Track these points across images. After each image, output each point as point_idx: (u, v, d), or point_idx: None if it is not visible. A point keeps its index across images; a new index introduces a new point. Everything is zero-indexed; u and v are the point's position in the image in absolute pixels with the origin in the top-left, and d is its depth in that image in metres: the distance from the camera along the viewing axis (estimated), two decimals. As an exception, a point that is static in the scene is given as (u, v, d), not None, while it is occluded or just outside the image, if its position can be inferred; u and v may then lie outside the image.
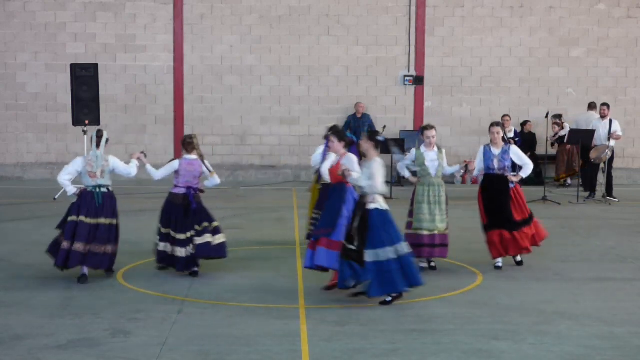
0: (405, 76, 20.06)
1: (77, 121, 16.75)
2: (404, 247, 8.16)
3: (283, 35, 19.95)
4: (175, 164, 9.42)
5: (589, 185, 16.91)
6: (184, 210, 9.27)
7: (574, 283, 9.25)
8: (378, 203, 8.12)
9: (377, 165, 8.12)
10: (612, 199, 16.40)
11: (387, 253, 8.03)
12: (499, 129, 9.90)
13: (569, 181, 19.18)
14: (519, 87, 20.21)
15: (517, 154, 9.96)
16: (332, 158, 8.65)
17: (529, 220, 9.99)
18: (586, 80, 20.21)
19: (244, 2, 19.89)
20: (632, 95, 20.29)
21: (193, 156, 9.47)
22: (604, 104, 16.96)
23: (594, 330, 7.33)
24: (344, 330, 7.25)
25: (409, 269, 8.10)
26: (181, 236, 9.23)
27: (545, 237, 10.23)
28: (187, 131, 19.91)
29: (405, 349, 6.74)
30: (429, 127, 9.82)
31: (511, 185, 9.87)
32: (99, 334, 7.05)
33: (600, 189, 16.78)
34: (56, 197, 15.94)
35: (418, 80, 20.03)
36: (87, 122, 16.66)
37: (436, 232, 9.66)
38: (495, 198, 9.80)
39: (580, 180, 17.65)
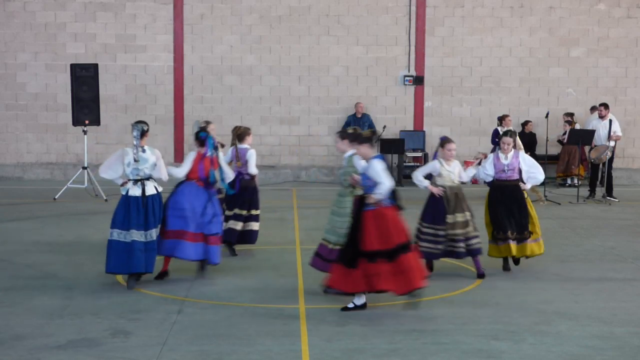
0: (405, 76, 20.05)
1: (77, 121, 16.75)
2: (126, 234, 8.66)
3: (283, 35, 19.95)
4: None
5: (594, 185, 16.87)
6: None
7: (574, 283, 9.25)
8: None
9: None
10: (612, 199, 16.40)
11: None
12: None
13: (569, 181, 19.19)
14: (519, 87, 20.20)
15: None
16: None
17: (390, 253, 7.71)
18: (586, 80, 20.20)
19: (244, 2, 19.89)
20: (632, 95, 20.29)
21: (245, 145, 10.65)
22: (602, 104, 16.96)
23: (594, 330, 7.33)
24: (344, 330, 7.25)
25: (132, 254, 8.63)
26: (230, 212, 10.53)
27: (418, 287, 7.75)
28: (187, 131, 19.93)
29: (405, 349, 6.75)
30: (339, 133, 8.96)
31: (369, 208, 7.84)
32: (99, 334, 7.05)
33: (601, 189, 16.79)
34: (56, 197, 15.94)
35: (418, 80, 20.03)
36: (87, 122, 16.67)
37: (330, 246, 8.61)
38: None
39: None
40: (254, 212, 10.70)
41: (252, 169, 10.66)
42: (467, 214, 9.32)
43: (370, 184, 7.82)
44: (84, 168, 16.62)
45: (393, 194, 7.91)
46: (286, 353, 6.60)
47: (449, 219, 9.20)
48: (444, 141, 9.42)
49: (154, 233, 8.78)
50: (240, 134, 10.75)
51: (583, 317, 7.76)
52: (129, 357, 6.47)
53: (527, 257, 9.76)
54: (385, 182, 7.74)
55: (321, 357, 6.51)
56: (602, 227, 13.28)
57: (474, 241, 9.32)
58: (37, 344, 6.75)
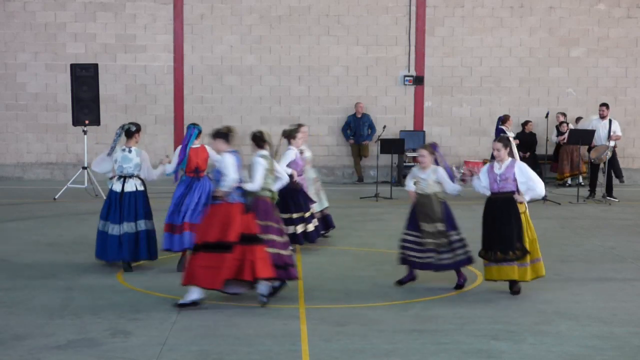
0: (405, 76, 20.06)
1: (77, 121, 16.76)
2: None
3: (283, 35, 19.95)
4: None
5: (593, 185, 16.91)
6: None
7: (574, 283, 9.25)
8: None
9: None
10: (612, 199, 16.40)
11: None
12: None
13: (569, 181, 19.20)
14: (519, 87, 20.21)
15: None
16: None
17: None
18: (586, 80, 20.21)
19: (244, 2, 19.90)
20: (632, 95, 20.29)
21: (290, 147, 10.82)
22: (603, 104, 16.97)
23: (594, 330, 7.33)
24: (344, 330, 7.25)
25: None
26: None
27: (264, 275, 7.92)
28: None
29: (405, 349, 6.74)
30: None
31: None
32: (99, 334, 7.05)
33: (601, 189, 16.80)
34: (56, 197, 15.94)
35: (418, 80, 20.03)
36: (87, 122, 16.67)
37: None
38: None
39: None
40: (306, 214, 10.75)
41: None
42: (439, 225, 8.69)
43: (219, 178, 8.04)
44: (84, 168, 16.62)
45: (244, 193, 8.06)
46: (286, 353, 6.60)
47: (422, 226, 8.73)
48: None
49: (126, 226, 9.46)
50: (285, 137, 10.91)
51: (583, 317, 7.76)
52: (129, 357, 6.46)
53: (524, 281, 8.58)
54: (230, 175, 7.95)
55: (321, 357, 6.51)
56: (602, 227, 13.28)
57: (444, 256, 8.70)
58: (37, 344, 6.75)
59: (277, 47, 19.95)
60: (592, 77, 20.21)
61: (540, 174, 18.74)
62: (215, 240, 7.80)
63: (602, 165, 16.73)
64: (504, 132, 17.07)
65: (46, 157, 19.98)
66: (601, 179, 16.99)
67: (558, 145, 19.34)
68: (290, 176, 10.44)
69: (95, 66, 17.04)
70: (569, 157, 19.03)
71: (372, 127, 19.55)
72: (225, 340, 6.90)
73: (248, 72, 19.99)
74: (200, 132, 9.78)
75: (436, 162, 8.84)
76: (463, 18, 20.07)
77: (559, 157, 19.33)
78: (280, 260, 8.20)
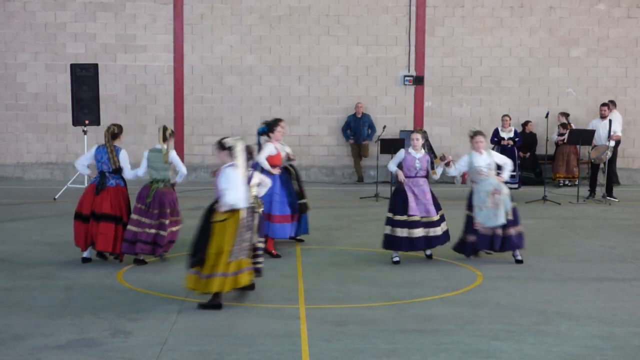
0: (405, 76, 20.06)
1: (77, 121, 16.76)
2: None
3: (283, 35, 19.95)
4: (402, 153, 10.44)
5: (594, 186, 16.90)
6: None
7: (574, 283, 9.25)
8: None
9: None
10: (612, 199, 16.40)
11: None
12: None
13: (567, 182, 19.18)
14: (519, 87, 20.21)
15: None
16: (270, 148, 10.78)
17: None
18: (586, 80, 20.21)
19: (244, 2, 19.90)
20: (632, 95, 20.29)
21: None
22: (604, 104, 16.96)
23: (594, 330, 7.33)
24: (344, 330, 7.25)
25: None
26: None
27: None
28: (187, 131, 19.94)
29: (405, 349, 6.74)
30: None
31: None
32: (99, 334, 7.05)
33: (601, 188, 16.80)
34: (56, 197, 15.94)
35: (418, 80, 20.03)
36: (87, 122, 16.68)
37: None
38: None
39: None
40: (410, 218, 10.19)
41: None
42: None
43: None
44: (84, 168, 16.60)
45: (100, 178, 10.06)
46: (286, 353, 6.60)
47: None
48: None
49: None
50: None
51: (583, 317, 7.76)
52: (129, 357, 6.47)
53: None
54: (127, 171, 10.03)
55: (321, 357, 6.51)
56: (602, 227, 13.27)
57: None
58: (37, 344, 6.75)
59: (277, 47, 19.95)
60: (592, 77, 20.21)
61: (540, 174, 19.02)
62: (78, 211, 10.02)
63: (602, 165, 16.73)
64: (498, 132, 17.07)
65: (46, 157, 19.98)
66: (601, 179, 16.99)
67: (557, 145, 19.32)
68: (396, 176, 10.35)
69: (95, 66, 17.05)
70: (565, 158, 19.00)
71: (372, 127, 19.55)
72: (225, 340, 6.91)
73: (248, 72, 19.99)
74: (260, 132, 11.16)
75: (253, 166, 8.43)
76: (463, 18, 20.07)
77: (555, 157, 19.30)
78: (145, 237, 9.69)
